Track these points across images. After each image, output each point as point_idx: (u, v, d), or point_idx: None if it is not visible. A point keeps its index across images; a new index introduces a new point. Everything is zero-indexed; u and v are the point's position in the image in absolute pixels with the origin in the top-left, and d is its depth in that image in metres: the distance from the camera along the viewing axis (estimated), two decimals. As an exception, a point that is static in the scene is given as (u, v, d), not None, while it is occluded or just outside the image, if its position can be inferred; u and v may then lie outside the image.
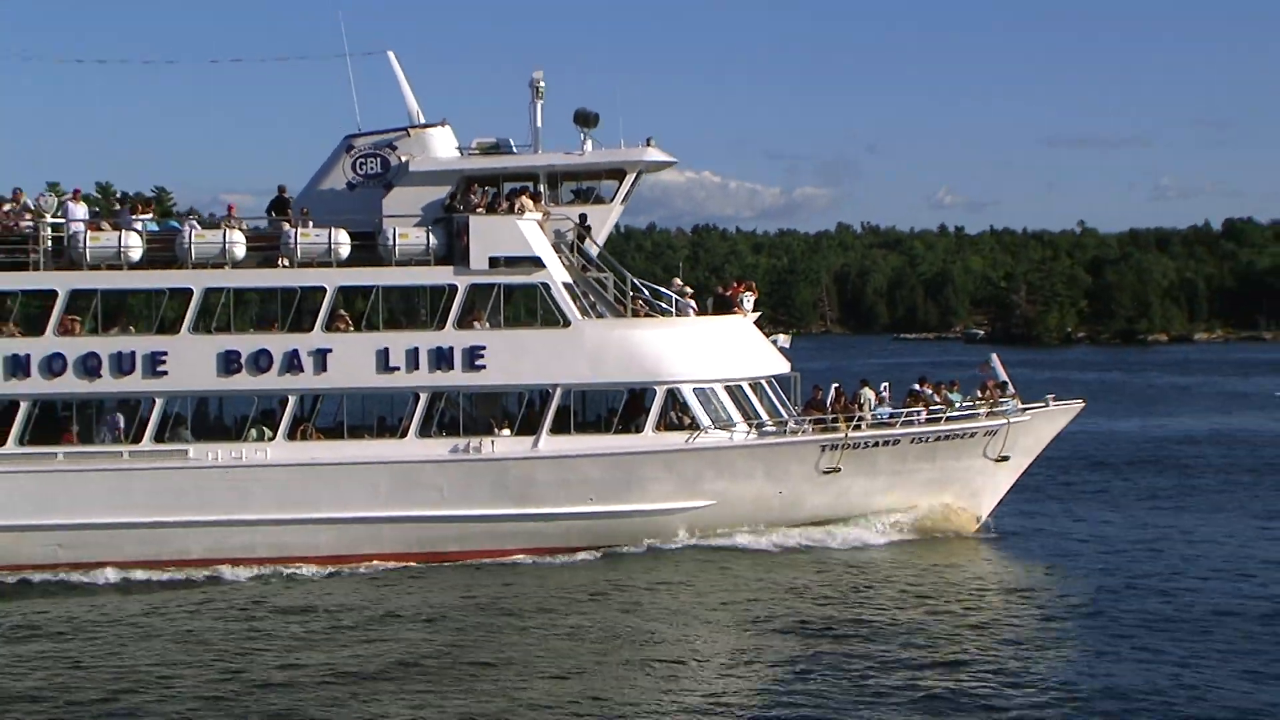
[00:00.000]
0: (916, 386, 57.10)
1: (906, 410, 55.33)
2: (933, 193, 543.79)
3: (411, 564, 50.52)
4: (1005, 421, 55.44)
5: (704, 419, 52.15)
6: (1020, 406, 56.30)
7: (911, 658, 38.29)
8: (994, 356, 58.57)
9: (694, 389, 52.19)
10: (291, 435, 51.31)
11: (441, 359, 51.44)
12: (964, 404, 56.04)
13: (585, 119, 54.30)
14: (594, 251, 54.01)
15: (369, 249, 52.33)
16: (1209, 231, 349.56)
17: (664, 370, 52.17)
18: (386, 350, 51.43)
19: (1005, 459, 55.74)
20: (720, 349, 53.54)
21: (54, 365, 50.37)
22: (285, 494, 50.65)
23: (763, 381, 53.94)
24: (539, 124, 54.92)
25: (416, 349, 51.45)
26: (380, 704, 34.56)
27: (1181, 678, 36.48)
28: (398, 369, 51.41)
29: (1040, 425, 56.74)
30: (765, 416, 53.34)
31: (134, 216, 53.20)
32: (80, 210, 53.11)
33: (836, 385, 56.62)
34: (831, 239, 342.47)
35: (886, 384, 57.07)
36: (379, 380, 51.61)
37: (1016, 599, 46.61)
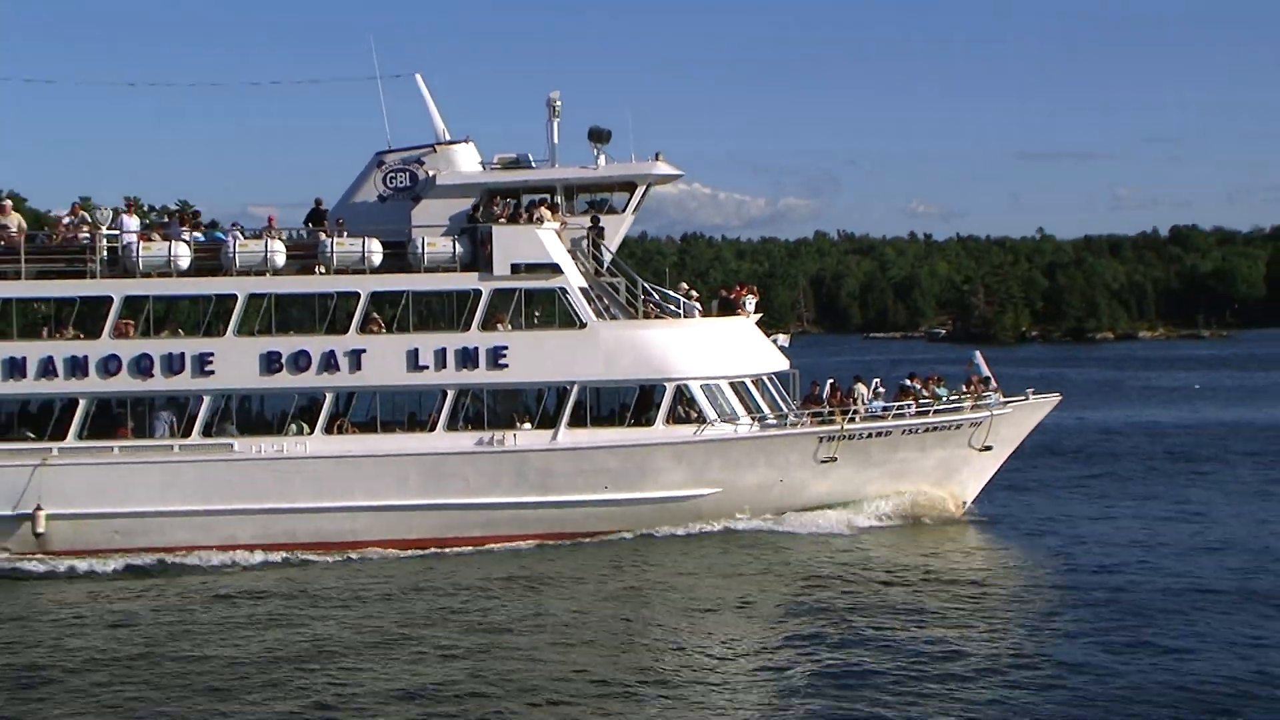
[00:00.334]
0: (907, 382, 57.10)
1: (897, 404, 54.97)
2: (907, 203, 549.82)
3: (450, 549, 50.10)
4: (988, 414, 55.21)
5: (710, 413, 51.90)
6: (1002, 400, 56.14)
7: (901, 632, 38.18)
8: (977, 354, 58.83)
9: (701, 385, 51.91)
10: (329, 430, 51.07)
11: (467, 358, 51.04)
12: (950, 398, 55.70)
13: (599, 135, 54.03)
14: (607, 258, 53.48)
15: (399, 257, 52.07)
16: (1157, 238, 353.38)
17: (673, 368, 51.86)
18: (416, 350, 51.09)
19: (988, 448, 55.48)
20: (724, 348, 53.34)
21: (110, 366, 50.09)
22: (323, 484, 50.53)
23: (764, 378, 53.69)
24: (555, 140, 54.75)
25: (444, 349, 51.07)
26: (421, 665, 35.58)
27: (1149, 648, 36.52)
28: (426, 368, 51.09)
29: (1020, 417, 56.52)
30: (767, 410, 53.07)
31: (182, 228, 52.69)
32: (133, 222, 52.60)
33: (832, 381, 56.41)
34: (810, 246, 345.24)
35: (878, 379, 56.89)
36: (409, 378, 51.33)
37: (998, 577, 46.66)
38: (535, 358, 51.44)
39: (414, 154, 53.74)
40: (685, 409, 51.73)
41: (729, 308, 55.27)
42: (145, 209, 54.06)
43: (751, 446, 52.21)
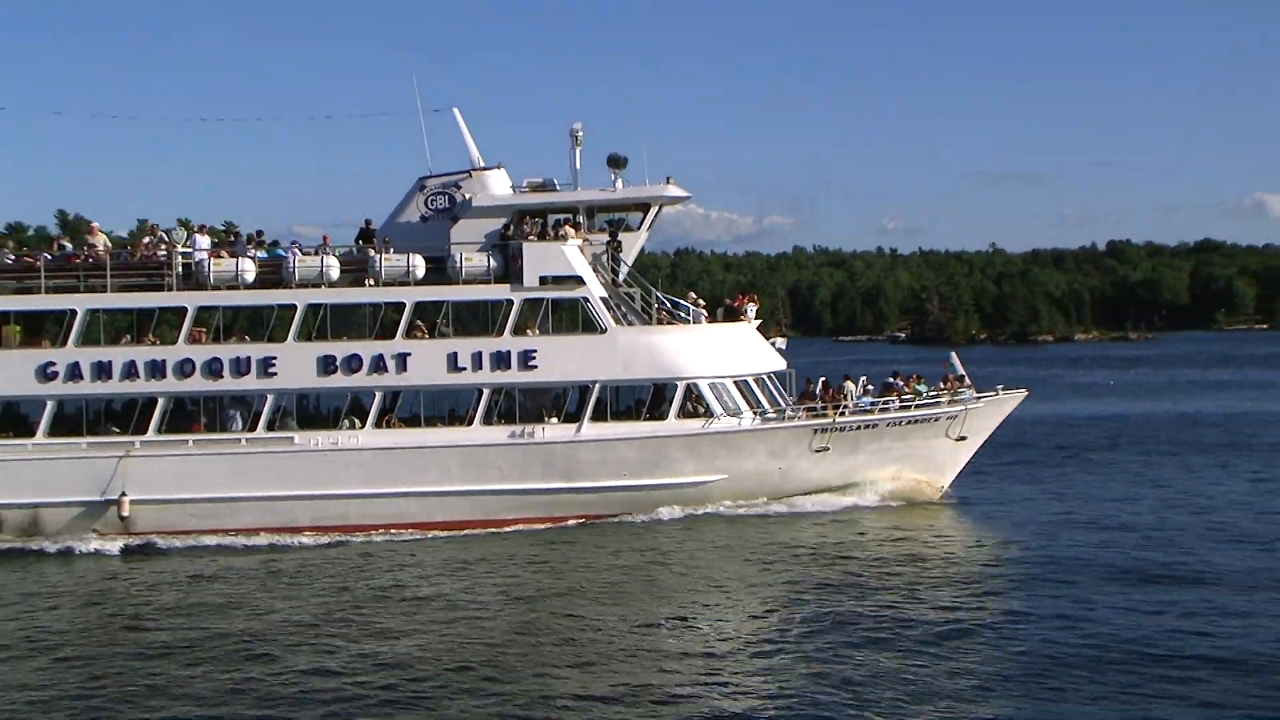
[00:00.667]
0: (891, 379, 56.74)
1: (883, 399, 55.09)
2: (876, 220, 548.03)
3: (484, 530, 50.00)
4: (964, 408, 55.25)
5: (717, 408, 51.81)
6: (975, 395, 56.04)
7: (887, 603, 38.26)
8: (953, 355, 58.36)
9: (708, 383, 51.86)
10: (378, 424, 50.99)
11: (500, 360, 51.02)
12: (929, 394, 55.70)
13: (616, 162, 53.94)
14: (624, 270, 53.68)
15: (440, 270, 52.12)
16: (1095, 251, 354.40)
17: (683, 368, 51.86)
18: (455, 354, 51.08)
19: (963, 439, 55.53)
20: (729, 350, 53.28)
21: (185, 368, 50.24)
22: (373, 472, 50.53)
23: (764, 376, 53.68)
24: (578, 166, 54.57)
25: (480, 352, 51.04)
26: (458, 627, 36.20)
27: (1108, 611, 37.01)
28: (464, 369, 51.04)
29: (991, 411, 56.53)
30: (767, 405, 53.01)
31: (248, 246, 52.83)
32: (205, 241, 52.72)
33: (824, 379, 56.35)
34: (789, 259, 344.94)
35: (865, 377, 56.68)
36: (449, 379, 51.25)
37: (973, 553, 46.63)
38: (561, 359, 51.33)
39: (452, 179, 53.61)
40: (694, 405, 51.58)
41: (733, 314, 55.09)
42: (214, 229, 53.67)
43: (753, 438, 52.24)
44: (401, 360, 50.74)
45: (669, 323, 53.42)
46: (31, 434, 49.89)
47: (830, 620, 36.37)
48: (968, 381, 56.31)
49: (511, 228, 52.64)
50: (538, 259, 51.35)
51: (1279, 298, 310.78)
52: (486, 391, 50.99)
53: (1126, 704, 28.69)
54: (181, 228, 53.43)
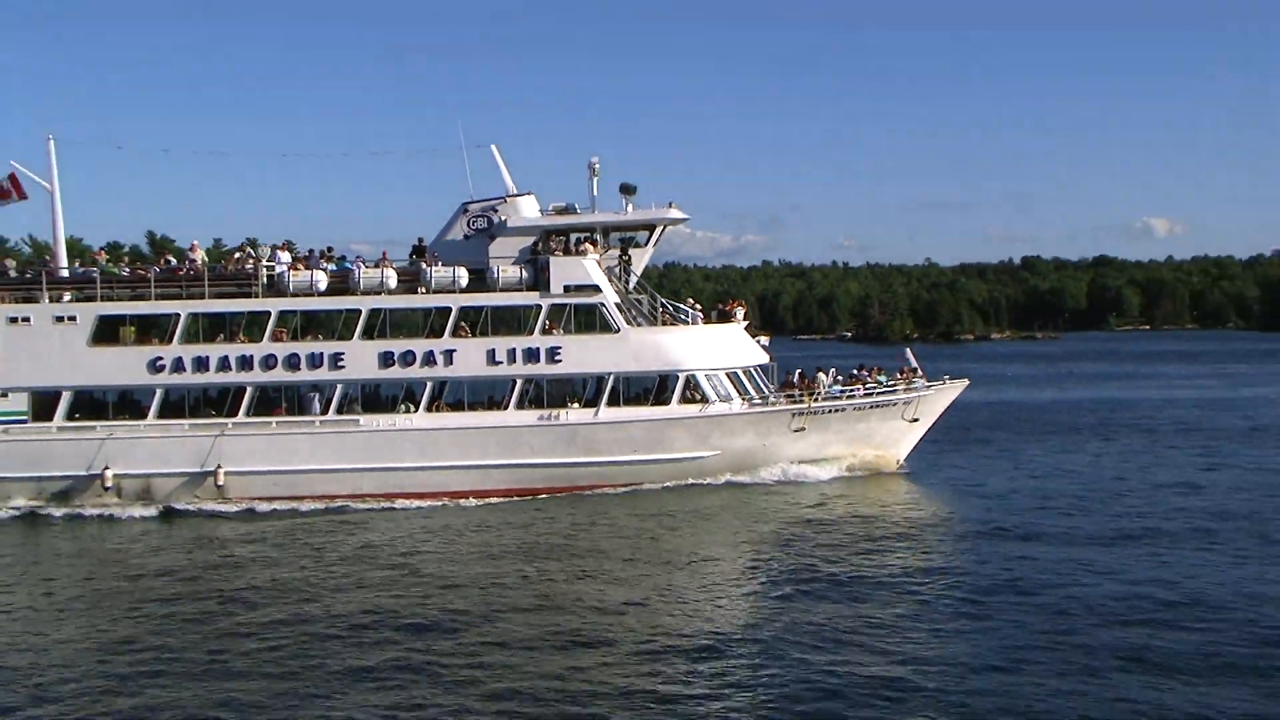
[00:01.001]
0: (855, 371, 57.30)
1: (850, 387, 55.57)
2: (835, 238, 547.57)
3: (516, 498, 50.46)
4: (916, 395, 55.85)
5: (712, 395, 52.20)
6: (926, 384, 56.63)
7: (849, 552, 39.21)
8: (908, 351, 58.81)
9: (704, 374, 52.21)
10: (429, 409, 51.29)
11: (531, 356, 51.37)
12: (888, 383, 56.21)
13: (627, 189, 54.41)
14: (633, 280, 54.06)
15: (480, 280, 52.44)
16: (1012, 265, 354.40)
17: (683, 362, 52.19)
18: (493, 350, 51.44)
19: (916, 420, 56.16)
20: (722, 346, 53.54)
21: (269, 362, 50.67)
22: (425, 449, 50.82)
23: (751, 369, 53.98)
24: (595, 193, 54.61)
25: (514, 349, 51.41)
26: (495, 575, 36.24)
27: (1028, 559, 37.90)
28: (501, 363, 51.40)
29: (940, 397, 57.16)
30: (753, 393, 53.42)
31: (321, 260, 53.40)
32: (285, 256, 53.07)
33: (800, 371, 56.68)
34: (758, 271, 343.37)
35: (834, 369, 56.94)
36: (488, 371, 51.58)
37: (922, 514, 47.28)
38: (581, 355, 51.49)
39: (490, 204, 53.83)
40: (693, 392, 51.77)
41: (725, 317, 55.33)
42: (290, 245, 54.49)
43: (742, 420, 52.59)
44: (448, 355, 51.04)
45: (671, 324, 53.42)
46: (144, 416, 50.38)
47: (802, 566, 37.25)
48: (920, 373, 56.80)
49: (540, 245, 52.88)
50: (562, 271, 51.75)
51: (1159, 304, 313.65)
52: (519, 381, 51.21)
53: (1046, 631, 29.57)
54: (267, 245, 54.03)
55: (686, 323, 54.27)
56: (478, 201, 54.45)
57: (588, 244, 53.23)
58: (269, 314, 51.30)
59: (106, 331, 51.02)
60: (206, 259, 54.75)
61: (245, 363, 50.65)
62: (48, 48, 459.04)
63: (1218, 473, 56.07)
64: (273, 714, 24.90)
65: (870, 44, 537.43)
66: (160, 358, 50.44)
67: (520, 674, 27.05)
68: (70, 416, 50.37)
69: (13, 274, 52.28)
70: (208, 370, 50.60)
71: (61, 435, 50.03)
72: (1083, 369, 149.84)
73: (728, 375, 52.89)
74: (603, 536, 43.21)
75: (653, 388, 52.62)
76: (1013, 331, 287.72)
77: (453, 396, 52.47)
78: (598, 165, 54.78)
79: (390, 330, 51.99)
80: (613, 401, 51.80)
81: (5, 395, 49.99)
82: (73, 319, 50.59)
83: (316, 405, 51.10)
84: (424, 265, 52.65)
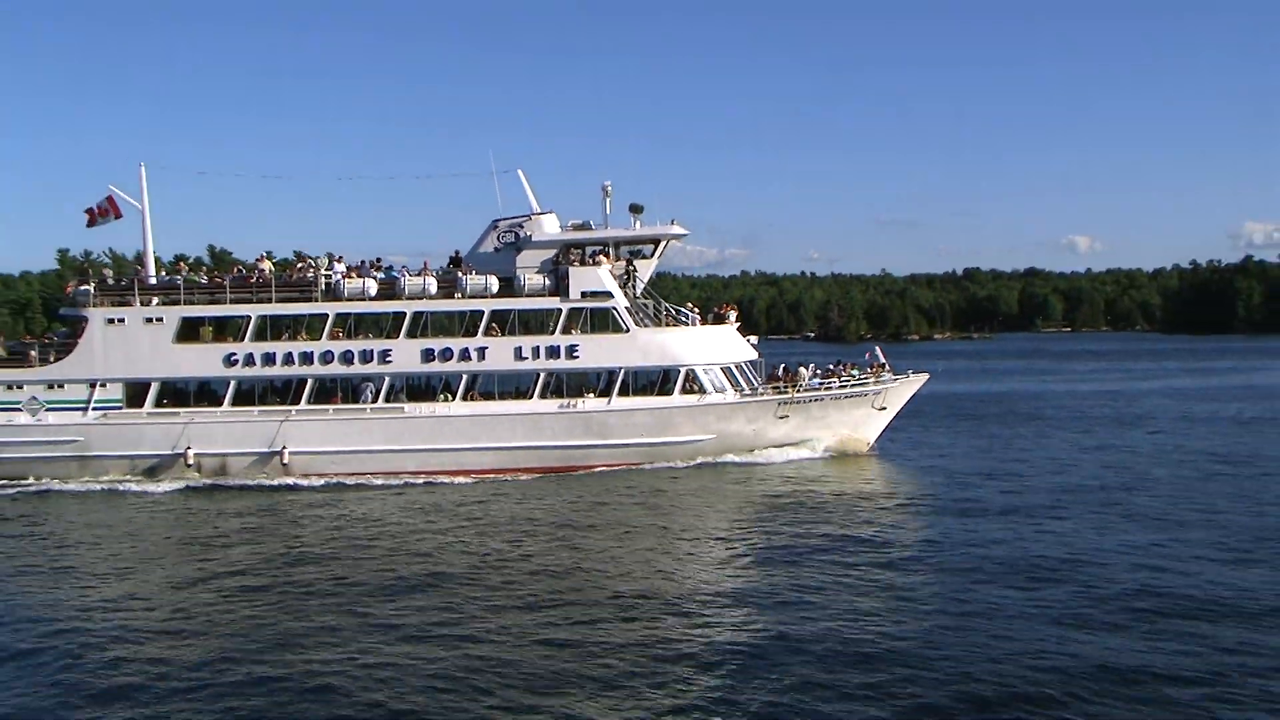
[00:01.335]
0: (831, 366, 57.31)
1: (827, 380, 55.70)
2: (806, 252, 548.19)
3: (540, 474, 50.40)
4: (885, 386, 56.04)
5: (708, 387, 52.40)
6: (893, 377, 56.80)
7: (824, 523, 39.27)
8: (877, 348, 58.84)
9: (702, 369, 52.36)
10: (464, 398, 51.37)
11: (552, 352, 51.48)
12: (860, 376, 56.30)
13: (635, 209, 54.41)
14: (640, 287, 53.99)
15: (509, 287, 52.51)
16: (955, 275, 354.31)
17: (684, 358, 52.30)
18: (520, 347, 51.53)
19: (884, 408, 56.30)
20: (717, 345, 53.58)
21: (326, 357, 50.76)
22: (461, 433, 50.84)
23: (742, 364, 54.00)
24: (608, 211, 54.64)
25: (538, 346, 51.51)
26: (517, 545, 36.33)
27: (984, 529, 38.09)
28: (526, 359, 51.47)
29: (905, 388, 57.26)
30: (744, 385, 53.49)
31: (371, 269, 53.39)
32: (340, 266, 53.09)
33: (784, 365, 56.53)
34: (737, 280, 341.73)
35: (814, 364, 56.85)
36: (515, 365, 51.61)
37: (889, 489, 47.12)
38: (596, 352, 51.61)
39: (517, 220, 53.82)
40: (692, 384, 51.93)
41: (720, 319, 55.39)
42: (334, 258, 54.42)
43: (734, 408, 52.68)
44: (481, 352, 51.14)
45: (673, 325, 53.46)
46: (219, 404, 50.55)
47: (783, 532, 37.64)
48: (887, 368, 57.07)
49: (560, 256, 53.01)
50: (580, 279, 51.77)
51: (1079, 309, 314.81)
52: (542, 374, 51.23)
53: (998, 589, 30.05)
54: (324, 256, 54.01)
55: (686, 324, 54.12)
56: (506, 219, 54.45)
57: (602, 256, 53.29)
58: (327, 316, 51.32)
59: (188, 331, 51.19)
60: (272, 269, 54.76)
61: (306, 358, 50.72)
62: (143, 84, 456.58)
63: (1103, 452, 57.25)
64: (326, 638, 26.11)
65: (840, 87, 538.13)
66: (234, 353, 50.55)
67: (547, 618, 27.88)
68: (158, 404, 50.53)
69: (110, 282, 52.24)
70: (274, 364, 50.65)
71: (151, 420, 50.22)
72: (1012, 365, 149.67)
73: (722, 369, 52.98)
74: (612, 507, 43.32)
75: (657, 380, 52.59)
76: (953, 332, 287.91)
77: (484, 387, 52.42)
78: (610, 188, 54.86)
79: (431, 330, 51.91)
80: (623, 392, 51.78)
81: (104, 385, 50.17)
82: (160, 320, 50.73)
83: (368, 395, 51.15)
84: (460, 274, 52.78)
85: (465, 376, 51.38)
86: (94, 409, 50.11)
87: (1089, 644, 25.12)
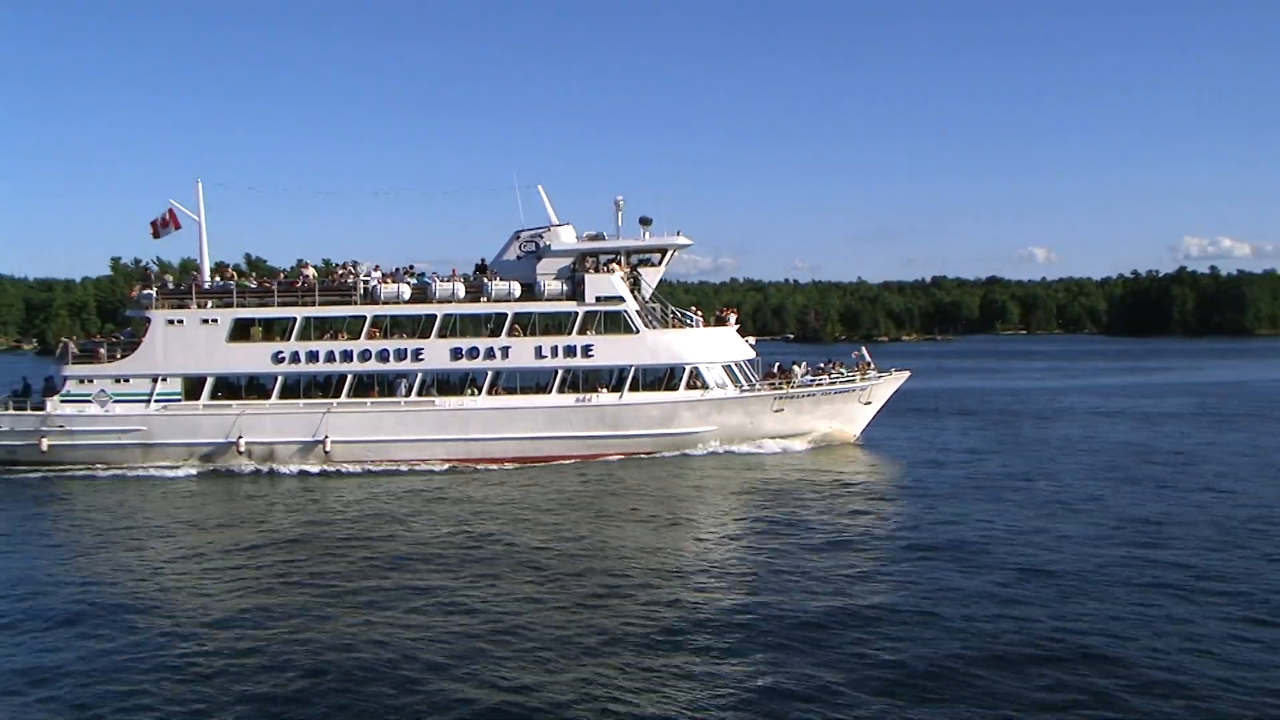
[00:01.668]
0: (822, 365, 57.07)
1: (817, 376, 55.61)
2: (791, 261, 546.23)
3: (558, 462, 50.31)
4: (870, 383, 55.95)
5: (711, 383, 52.26)
6: (877, 374, 56.67)
7: (815, 506, 39.18)
8: (863, 348, 58.72)
9: (705, 366, 52.24)
10: (489, 392, 51.08)
11: (570, 351, 51.31)
12: (849, 373, 56.22)
13: (645, 221, 54.16)
14: (648, 292, 53.77)
15: (530, 292, 52.31)
16: (924, 283, 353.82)
17: (688, 356, 52.19)
18: (540, 347, 51.32)
19: (869, 403, 56.20)
20: (718, 345, 53.46)
21: (364, 355, 50.49)
22: (487, 424, 50.60)
23: (741, 362, 53.89)
24: (620, 224, 54.53)
25: (556, 346, 51.32)
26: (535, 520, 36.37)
27: (957, 510, 38.27)
28: (546, 357, 51.26)
29: (888, 385, 57.16)
30: (743, 381, 53.34)
31: (405, 275, 53.19)
32: (377, 273, 52.88)
33: (779, 364, 56.42)
34: (727, 286, 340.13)
35: (805, 363, 56.64)
36: (536, 363, 51.39)
37: (873, 476, 46.99)
38: (609, 351, 51.48)
39: (537, 231, 53.61)
40: (695, 381, 51.90)
41: (721, 321, 55.39)
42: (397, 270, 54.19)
43: (734, 403, 52.55)
44: (504, 351, 50.99)
45: (679, 326, 53.32)
46: (268, 397, 50.33)
47: (777, 515, 37.56)
48: (873, 366, 56.98)
49: (577, 264, 52.80)
50: (594, 285, 51.68)
51: (1034, 314, 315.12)
52: (560, 371, 51.08)
53: (954, 554, 30.97)
54: (364, 263, 53.80)
55: (690, 326, 53.99)
56: (527, 230, 54.21)
57: (614, 264, 53.14)
58: (365, 318, 51.12)
59: (240, 331, 50.94)
60: (316, 274, 54.42)
61: (346, 355, 50.51)
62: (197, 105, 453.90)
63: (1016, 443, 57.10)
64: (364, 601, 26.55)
65: (825, 111, 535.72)
66: (281, 351, 50.35)
67: (560, 588, 28.23)
68: (213, 397, 50.28)
69: (170, 287, 52.01)
70: (317, 361, 50.45)
71: (206, 411, 49.94)
72: (962, 364, 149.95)
73: (723, 367, 52.84)
74: (624, 492, 43.22)
75: (664, 377, 52.34)
76: (919, 334, 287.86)
77: (508, 383, 52.17)
78: (622, 202, 54.69)
79: (459, 330, 51.61)
80: (633, 388, 51.64)
81: (165, 379, 49.98)
82: (215, 321, 50.50)
83: (402, 389, 50.88)
84: (485, 280, 52.61)
85: (490, 373, 51.08)
86: (156, 401, 49.89)
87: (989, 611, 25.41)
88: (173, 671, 22.22)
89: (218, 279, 52.66)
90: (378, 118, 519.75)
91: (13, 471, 48.93)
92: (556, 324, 52.31)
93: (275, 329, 51.23)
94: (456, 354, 51.07)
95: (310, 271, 54.06)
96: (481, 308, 51.92)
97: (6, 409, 50.47)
